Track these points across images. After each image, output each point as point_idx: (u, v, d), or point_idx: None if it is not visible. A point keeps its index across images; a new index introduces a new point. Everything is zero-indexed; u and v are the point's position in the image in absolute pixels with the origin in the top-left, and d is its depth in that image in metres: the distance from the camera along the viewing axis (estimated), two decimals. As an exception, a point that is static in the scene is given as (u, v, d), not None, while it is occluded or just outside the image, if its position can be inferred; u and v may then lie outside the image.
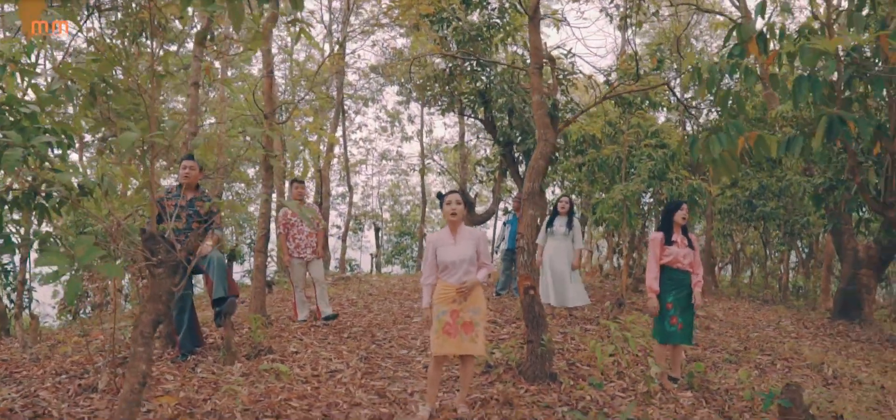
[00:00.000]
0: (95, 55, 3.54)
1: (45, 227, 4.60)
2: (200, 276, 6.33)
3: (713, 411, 5.15)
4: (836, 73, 3.73)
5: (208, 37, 7.45)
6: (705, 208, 14.67)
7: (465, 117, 16.97)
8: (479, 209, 20.01)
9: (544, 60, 11.02)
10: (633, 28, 9.22)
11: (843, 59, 3.83)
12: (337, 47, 16.42)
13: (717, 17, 15.74)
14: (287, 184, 20.80)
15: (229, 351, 5.73)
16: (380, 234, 27.87)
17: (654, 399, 5.31)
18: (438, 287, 4.66)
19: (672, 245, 5.71)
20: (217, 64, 17.61)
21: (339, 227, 19.42)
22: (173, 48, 16.07)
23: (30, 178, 3.76)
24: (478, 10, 11.10)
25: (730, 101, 3.70)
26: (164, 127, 3.43)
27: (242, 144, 13.03)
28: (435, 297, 4.68)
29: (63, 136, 3.87)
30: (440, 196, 4.82)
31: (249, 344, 6.25)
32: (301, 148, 17.77)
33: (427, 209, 26.18)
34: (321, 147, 18.14)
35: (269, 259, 16.97)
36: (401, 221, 29.93)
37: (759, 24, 4.07)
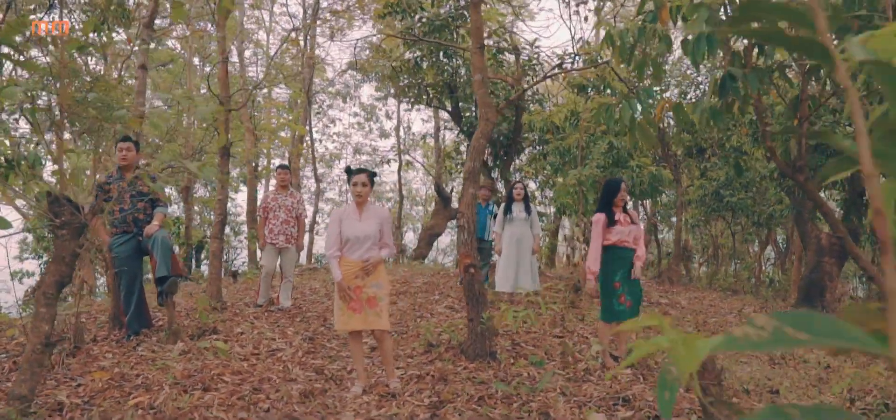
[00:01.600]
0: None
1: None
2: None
3: (649, 387, 5.17)
4: (742, 40, 3.78)
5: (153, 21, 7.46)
6: (677, 199, 14.71)
7: (438, 111, 16.98)
8: (456, 204, 19.96)
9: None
10: (589, 13, 9.26)
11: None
12: (299, 34, 16.41)
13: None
14: (260, 188, 20.74)
15: (172, 330, 5.73)
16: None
17: (592, 376, 5.34)
18: (342, 263, 4.67)
19: (616, 225, 5.72)
20: (194, 58, 17.56)
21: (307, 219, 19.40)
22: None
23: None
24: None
25: (646, 68, 3.73)
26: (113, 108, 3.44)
27: (204, 133, 12.97)
28: None
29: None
30: (348, 171, 4.81)
31: (196, 325, 6.25)
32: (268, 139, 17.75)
33: (407, 205, 26.11)
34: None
35: (235, 248, 16.79)
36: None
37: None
